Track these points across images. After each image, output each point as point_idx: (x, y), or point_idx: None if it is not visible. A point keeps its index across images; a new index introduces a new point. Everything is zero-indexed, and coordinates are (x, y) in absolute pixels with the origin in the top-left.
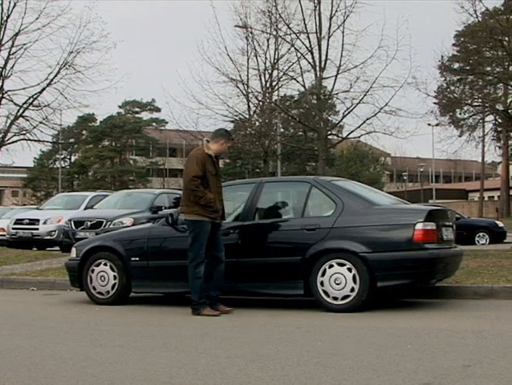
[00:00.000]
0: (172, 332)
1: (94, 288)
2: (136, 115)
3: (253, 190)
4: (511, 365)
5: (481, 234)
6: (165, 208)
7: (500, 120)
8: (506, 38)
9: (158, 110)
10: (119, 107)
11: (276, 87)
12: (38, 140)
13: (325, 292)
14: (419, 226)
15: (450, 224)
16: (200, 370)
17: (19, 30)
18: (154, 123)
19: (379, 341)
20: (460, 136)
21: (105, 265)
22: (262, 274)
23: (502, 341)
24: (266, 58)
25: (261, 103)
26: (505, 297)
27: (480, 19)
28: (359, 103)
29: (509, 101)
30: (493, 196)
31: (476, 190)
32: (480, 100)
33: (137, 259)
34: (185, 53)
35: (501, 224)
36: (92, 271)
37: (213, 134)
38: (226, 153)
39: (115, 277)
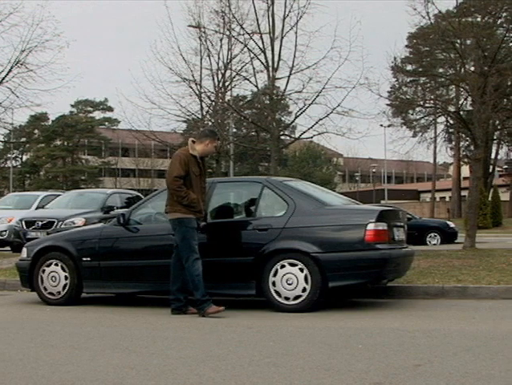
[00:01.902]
0: (124, 333)
1: (45, 288)
2: (89, 115)
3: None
4: (461, 364)
5: (432, 234)
6: (117, 208)
7: (452, 122)
8: (458, 41)
9: (111, 109)
10: (72, 106)
11: (229, 87)
12: None
13: (277, 292)
14: (370, 226)
15: (401, 224)
16: (151, 371)
17: None
18: (106, 123)
19: (330, 341)
20: (412, 137)
21: (56, 265)
22: (213, 275)
23: (452, 340)
24: (219, 58)
25: (213, 103)
26: (456, 297)
27: (432, 21)
28: (311, 103)
29: (460, 102)
30: (444, 197)
31: (428, 191)
32: (432, 102)
33: (89, 259)
34: (138, 52)
35: (452, 225)
36: (43, 271)
37: (199, 134)
38: (213, 153)
39: (66, 278)
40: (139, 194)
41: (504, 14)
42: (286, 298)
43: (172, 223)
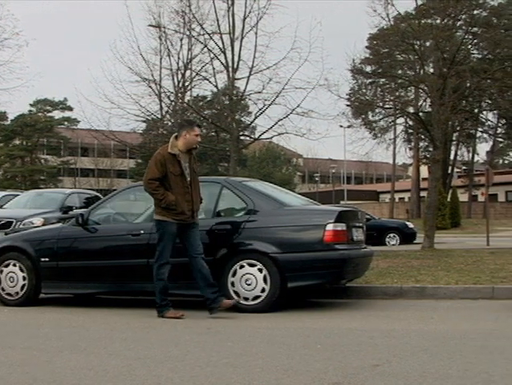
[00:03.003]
0: (82, 333)
1: (3, 289)
2: (48, 114)
3: None
4: (419, 364)
5: (391, 235)
6: (76, 208)
7: (411, 123)
8: (418, 42)
9: (70, 109)
10: (31, 105)
11: (189, 88)
12: None
13: (236, 292)
14: (329, 227)
15: (360, 225)
16: (109, 372)
17: None
18: (66, 122)
19: (289, 341)
20: (372, 138)
21: (14, 265)
22: (172, 275)
23: (411, 340)
24: (178, 58)
25: (173, 103)
26: (414, 297)
27: (392, 23)
28: (271, 104)
29: (419, 104)
30: (403, 198)
31: (387, 191)
32: (391, 103)
33: (47, 260)
34: (98, 52)
35: (411, 225)
36: (1, 272)
37: (177, 129)
38: (200, 142)
39: (24, 278)
40: (98, 194)
41: (463, 17)
42: (245, 299)
43: (155, 223)
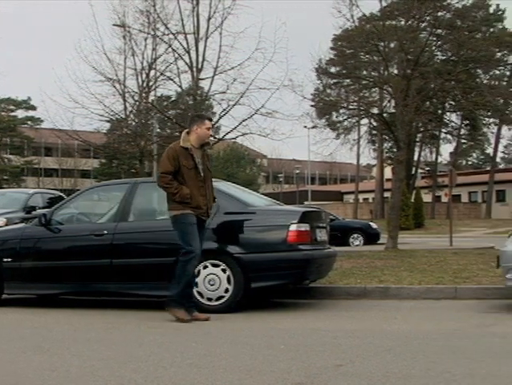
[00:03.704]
0: (45, 334)
1: None
2: (11, 113)
3: (128, 191)
4: (382, 364)
5: (355, 235)
6: (39, 208)
7: (375, 124)
8: (382, 44)
9: (34, 108)
10: None
11: (153, 87)
12: None
13: (199, 293)
14: (293, 227)
15: (324, 225)
16: (72, 373)
17: None
18: (29, 122)
19: (252, 341)
20: (336, 139)
21: None
22: (135, 275)
23: (374, 340)
24: (143, 57)
25: (137, 102)
26: (378, 298)
27: (357, 24)
28: (235, 104)
29: (384, 105)
30: (367, 198)
31: (351, 192)
32: (355, 104)
33: (10, 260)
34: (62, 51)
35: (375, 226)
36: None
37: (188, 124)
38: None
39: None
40: (61, 194)
41: (427, 18)
42: (209, 299)
43: (171, 221)
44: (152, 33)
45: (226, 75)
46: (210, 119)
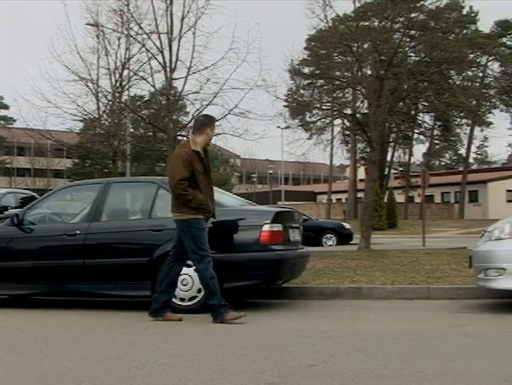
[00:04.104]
0: (17, 334)
1: None
2: None
3: (101, 191)
4: (355, 364)
5: (328, 236)
6: (11, 208)
7: (348, 124)
8: (355, 44)
9: (6, 107)
10: None
11: (126, 87)
12: None
13: None
14: (265, 228)
15: (297, 225)
16: (44, 374)
17: None
18: (2, 121)
19: (225, 341)
20: (309, 139)
21: None
22: (108, 275)
23: (347, 340)
24: (116, 57)
25: (110, 102)
26: (351, 298)
27: (330, 25)
28: (208, 104)
29: (357, 105)
30: (341, 199)
31: (324, 192)
32: (329, 104)
33: None
34: (35, 50)
35: (348, 226)
36: None
37: (195, 125)
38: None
39: None
40: (34, 194)
41: (401, 19)
42: (182, 299)
43: (180, 224)
44: (126, 32)
45: (200, 75)
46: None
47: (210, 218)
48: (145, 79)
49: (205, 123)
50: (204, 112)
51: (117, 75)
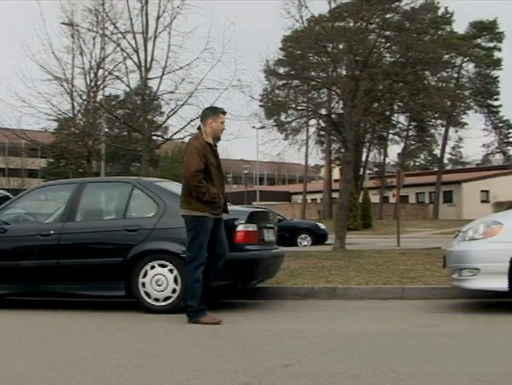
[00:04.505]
0: None
1: None
2: None
3: (75, 190)
4: (330, 364)
5: (303, 236)
6: None
7: (323, 124)
8: (331, 45)
9: None
10: None
11: (101, 87)
12: None
13: (146, 293)
14: (240, 228)
15: (272, 225)
16: (19, 374)
17: None
18: None
19: (200, 342)
20: (284, 139)
21: None
22: (82, 275)
23: (321, 340)
24: (91, 56)
25: (85, 102)
26: (326, 298)
27: (306, 25)
28: (183, 104)
29: (332, 106)
30: (316, 199)
31: (299, 192)
32: (304, 104)
33: None
34: (9, 49)
35: (322, 226)
36: None
37: (201, 117)
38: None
39: None
40: (8, 194)
41: (376, 20)
42: (156, 300)
43: (186, 218)
44: (101, 32)
45: (175, 75)
46: (224, 112)
47: (220, 215)
48: (120, 79)
49: (207, 114)
50: (179, 112)
51: (92, 75)
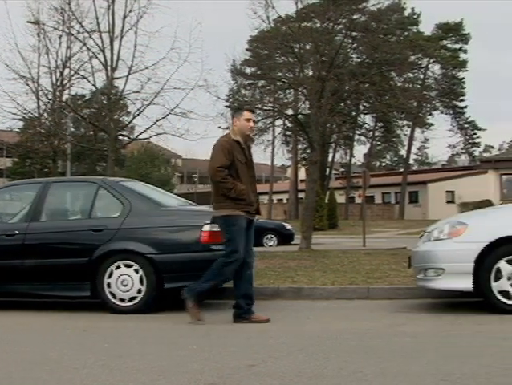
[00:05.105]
0: None
1: None
2: None
3: (40, 190)
4: (295, 363)
5: (269, 236)
6: None
7: (289, 125)
8: (297, 45)
9: None
10: None
11: (67, 86)
12: None
13: (112, 293)
14: (206, 228)
15: None
16: None
17: None
18: None
19: (165, 342)
20: None
21: None
22: (47, 276)
23: (287, 340)
24: (57, 55)
25: (51, 101)
26: (291, 298)
27: (272, 25)
28: (149, 104)
29: (298, 106)
30: (282, 199)
31: (265, 192)
32: (270, 105)
33: None
34: None
35: (288, 227)
36: None
37: (231, 116)
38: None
39: None
40: None
41: (343, 21)
42: (122, 300)
43: (219, 221)
44: (67, 31)
45: (141, 75)
46: (251, 110)
47: (253, 215)
48: (86, 78)
49: (234, 112)
50: (145, 112)
51: (58, 74)
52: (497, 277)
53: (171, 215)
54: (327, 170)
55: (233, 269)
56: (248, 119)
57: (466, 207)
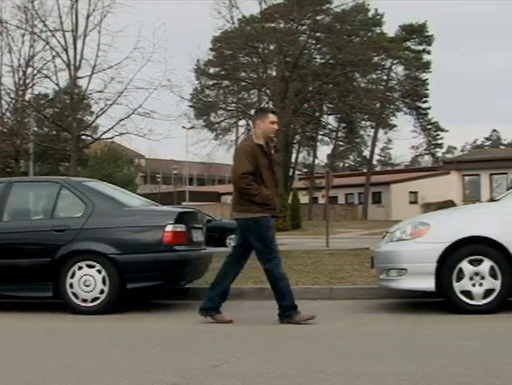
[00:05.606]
0: None
1: None
2: None
3: (2, 190)
4: (258, 364)
5: (232, 236)
6: None
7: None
8: (261, 45)
9: None
10: None
11: (30, 85)
12: None
13: (74, 294)
14: (168, 228)
15: (200, 226)
16: None
17: None
18: None
19: (128, 342)
20: (213, 140)
21: None
22: (9, 276)
23: (250, 341)
24: (20, 54)
25: (13, 100)
26: (254, 298)
27: (236, 26)
28: (112, 103)
29: (262, 106)
30: None
31: (229, 193)
32: (234, 105)
33: None
34: None
35: None
36: None
37: (252, 120)
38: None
39: None
40: None
41: (307, 21)
42: (84, 300)
43: (246, 223)
44: (30, 29)
45: (104, 74)
46: (274, 112)
47: (277, 215)
48: (49, 78)
49: (256, 116)
50: (108, 112)
51: (20, 73)
52: (460, 278)
53: (134, 215)
54: (291, 170)
55: (281, 266)
56: (273, 122)
57: (429, 207)
